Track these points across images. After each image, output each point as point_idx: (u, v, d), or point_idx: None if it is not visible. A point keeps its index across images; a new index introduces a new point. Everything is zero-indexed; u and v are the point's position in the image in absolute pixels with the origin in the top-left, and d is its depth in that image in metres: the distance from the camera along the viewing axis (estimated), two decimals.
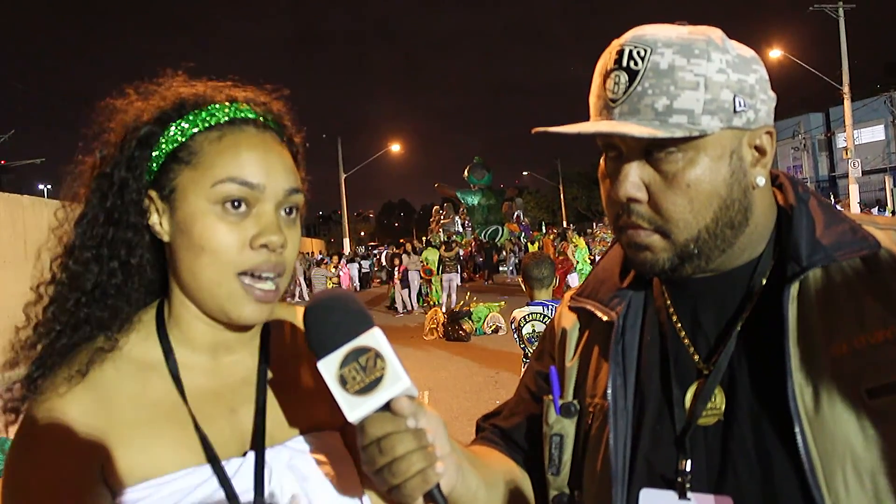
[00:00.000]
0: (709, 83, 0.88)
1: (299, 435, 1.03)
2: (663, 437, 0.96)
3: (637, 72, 0.89)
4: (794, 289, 0.91)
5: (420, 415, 0.84)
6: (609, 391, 1.00)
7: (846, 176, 28.25)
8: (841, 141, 39.41)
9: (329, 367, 0.84)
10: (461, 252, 21.00)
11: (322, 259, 25.26)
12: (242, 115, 0.99)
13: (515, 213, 40.54)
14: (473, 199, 40.77)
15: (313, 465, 1.01)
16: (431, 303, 18.85)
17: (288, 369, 1.08)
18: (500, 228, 38.29)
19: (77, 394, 0.93)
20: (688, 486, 0.92)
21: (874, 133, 45.12)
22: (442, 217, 39.22)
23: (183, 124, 0.97)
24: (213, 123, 0.97)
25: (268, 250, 0.94)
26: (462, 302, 15.07)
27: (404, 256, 19.66)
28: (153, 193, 0.98)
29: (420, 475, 0.82)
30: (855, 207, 25.29)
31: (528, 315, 4.39)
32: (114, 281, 0.99)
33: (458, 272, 19.59)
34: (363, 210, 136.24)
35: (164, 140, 0.97)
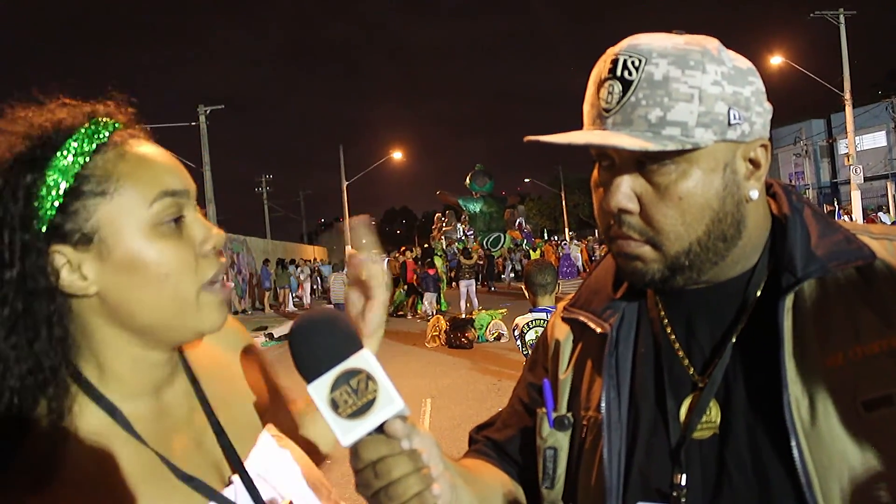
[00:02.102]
0: (703, 95, 0.86)
1: (258, 440, 1.02)
2: (658, 450, 0.95)
3: (631, 82, 0.88)
4: (789, 300, 0.90)
5: (413, 436, 0.83)
6: (603, 404, 0.99)
7: (848, 182, 28.25)
8: (843, 147, 39.38)
9: (320, 390, 0.81)
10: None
11: (336, 264, 24.96)
12: (115, 127, 0.90)
13: (517, 220, 40.61)
14: (475, 207, 40.82)
15: (282, 465, 1.00)
16: (436, 310, 18.85)
17: (214, 376, 1.04)
18: (503, 236, 38.31)
19: (58, 491, 0.81)
20: (683, 500, 0.91)
21: (876, 139, 45.14)
22: (444, 224, 39.26)
23: (63, 160, 0.84)
24: (97, 146, 0.86)
25: (215, 252, 0.92)
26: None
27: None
28: (60, 248, 0.83)
29: (417, 498, 0.80)
30: (858, 213, 25.24)
31: (532, 321, 4.39)
32: (25, 367, 0.82)
33: (475, 279, 19.55)
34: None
35: (48, 184, 0.82)
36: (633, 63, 0.88)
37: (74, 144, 0.85)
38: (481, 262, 27.98)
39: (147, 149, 0.91)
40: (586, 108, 0.95)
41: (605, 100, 0.90)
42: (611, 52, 0.92)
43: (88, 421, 0.87)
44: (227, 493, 0.93)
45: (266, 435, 1.03)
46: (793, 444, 0.83)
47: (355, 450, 0.81)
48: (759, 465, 0.88)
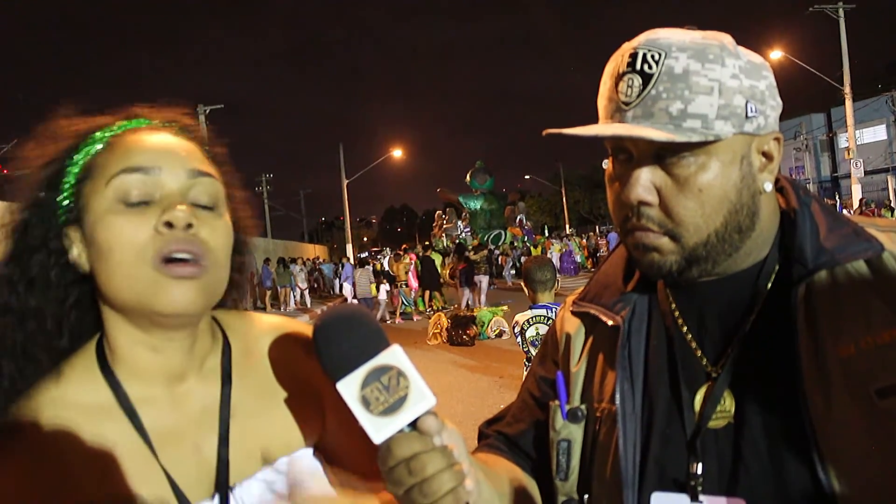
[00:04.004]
0: (723, 88, 0.88)
1: (271, 462, 0.98)
2: (673, 440, 0.96)
3: (651, 75, 0.89)
4: (801, 291, 0.90)
5: (444, 431, 0.83)
6: (617, 395, 1.00)
7: (848, 176, 28.23)
8: (843, 141, 39.37)
9: (350, 388, 0.80)
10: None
11: (363, 259, 24.71)
12: (135, 124, 0.97)
13: (518, 217, 40.62)
14: (476, 204, 40.86)
15: (286, 496, 0.96)
16: (436, 307, 18.85)
17: (252, 389, 1.01)
18: (503, 232, 38.33)
19: (24, 450, 0.86)
20: (699, 488, 0.92)
21: (876, 133, 45.11)
22: (445, 222, 39.28)
23: (83, 151, 0.94)
24: (108, 138, 0.94)
25: (174, 230, 0.88)
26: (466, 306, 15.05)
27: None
28: (68, 228, 0.93)
29: (451, 494, 0.80)
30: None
31: (532, 318, 4.40)
32: (38, 335, 0.92)
33: (487, 273, 19.48)
34: (366, 216, 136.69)
35: (68, 173, 0.94)
36: (652, 57, 0.89)
37: (88, 143, 0.94)
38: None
39: (139, 136, 0.94)
40: (602, 102, 0.96)
41: (624, 93, 0.91)
42: (628, 47, 0.92)
43: (90, 392, 0.91)
44: None
45: (291, 459, 0.99)
46: (807, 432, 0.84)
47: (388, 447, 0.80)
48: (775, 453, 0.88)
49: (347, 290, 22.32)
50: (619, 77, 0.92)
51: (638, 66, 0.90)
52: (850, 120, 26.95)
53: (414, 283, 20.03)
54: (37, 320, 0.92)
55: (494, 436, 1.25)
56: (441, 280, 20.48)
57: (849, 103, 26.86)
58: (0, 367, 0.89)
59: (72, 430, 0.88)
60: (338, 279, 31.33)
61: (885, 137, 45.17)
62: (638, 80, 0.89)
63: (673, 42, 0.89)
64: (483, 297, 18.45)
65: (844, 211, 23.63)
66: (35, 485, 0.84)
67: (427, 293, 20.06)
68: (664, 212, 0.92)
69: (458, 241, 25.97)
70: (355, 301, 19.41)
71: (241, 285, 1.11)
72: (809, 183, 43.57)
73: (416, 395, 0.80)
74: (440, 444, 0.81)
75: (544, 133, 0.94)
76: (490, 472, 1.03)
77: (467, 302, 18.37)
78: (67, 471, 0.86)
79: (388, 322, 18.45)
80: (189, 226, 0.88)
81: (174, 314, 0.89)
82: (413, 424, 0.81)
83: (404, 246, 29.45)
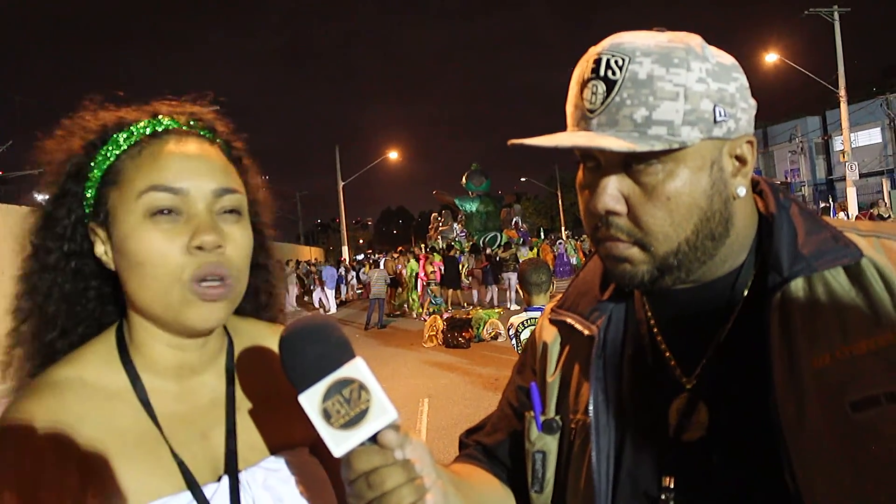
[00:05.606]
0: (688, 93, 0.85)
1: (272, 455, 1.02)
2: (646, 453, 0.94)
3: (615, 81, 0.86)
4: (776, 300, 0.88)
5: (406, 445, 0.82)
6: (591, 407, 0.98)
7: (844, 179, 28.26)
8: (838, 144, 39.45)
9: (311, 400, 0.80)
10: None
11: (372, 259, 24.66)
12: (163, 126, 0.99)
13: (514, 220, 40.56)
14: (472, 206, 40.80)
15: (288, 483, 1.00)
16: (431, 310, 18.82)
17: (255, 387, 1.06)
18: (499, 235, 38.30)
19: (41, 429, 0.88)
20: (672, 502, 0.90)
21: (871, 136, 45.14)
22: (440, 224, 39.27)
23: (108, 149, 0.97)
24: (133, 142, 0.96)
25: (204, 252, 0.92)
26: (459, 308, 15.02)
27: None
28: (94, 224, 0.97)
29: None
30: (854, 210, 25.25)
31: (527, 321, 4.38)
32: (61, 310, 0.99)
33: (516, 271, 19.58)
34: (361, 218, 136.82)
35: (93, 169, 0.97)
36: (616, 62, 0.86)
37: (114, 140, 0.97)
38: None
39: (171, 147, 0.96)
40: (570, 108, 0.93)
41: (588, 100, 0.89)
42: (593, 52, 0.90)
43: (107, 377, 0.96)
44: (208, 489, 0.93)
45: (290, 452, 1.03)
46: (780, 445, 0.82)
47: (348, 460, 0.80)
48: (747, 466, 0.87)
49: (329, 294, 22.23)
50: (584, 83, 0.90)
51: (602, 73, 0.87)
52: (845, 123, 26.99)
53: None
54: (63, 304, 0.99)
55: (473, 445, 1.23)
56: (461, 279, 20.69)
57: (844, 106, 26.90)
58: (35, 343, 0.98)
59: (88, 411, 0.92)
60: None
61: (880, 140, 45.21)
62: (602, 87, 0.87)
63: (637, 46, 0.87)
64: (514, 294, 18.58)
65: (840, 214, 23.64)
66: (51, 461, 0.86)
67: (451, 291, 20.19)
68: (633, 221, 0.90)
69: (473, 242, 26.31)
70: (332, 310, 19.46)
71: (267, 291, 1.17)
72: (804, 185, 43.63)
73: (377, 409, 0.79)
74: (402, 458, 0.80)
75: (510, 143, 0.92)
76: (463, 484, 1.01)
77: (490, 298, 18.58)
78: (81, 449, 0.89)
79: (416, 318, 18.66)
80: (217, 246, 0.93)
81: (204, 330, 0.97)
82: (374, 438, 0.80)
83: (400, 248, 29.43)
